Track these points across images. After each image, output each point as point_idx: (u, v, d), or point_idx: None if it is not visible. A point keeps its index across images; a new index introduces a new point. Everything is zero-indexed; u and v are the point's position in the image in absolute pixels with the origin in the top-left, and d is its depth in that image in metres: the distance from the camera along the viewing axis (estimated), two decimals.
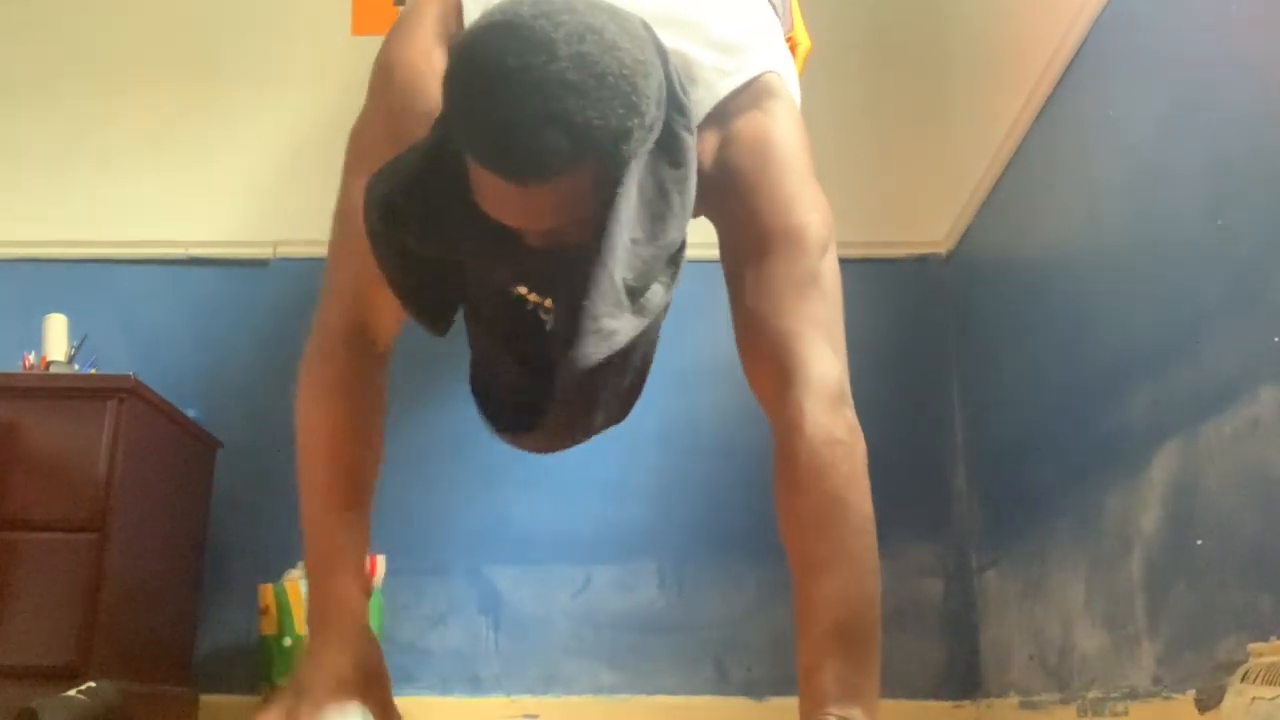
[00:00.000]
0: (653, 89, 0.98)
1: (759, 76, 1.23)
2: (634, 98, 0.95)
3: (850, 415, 1.09)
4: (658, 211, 1.06)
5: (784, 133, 1.20)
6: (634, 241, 1.05)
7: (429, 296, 1.14)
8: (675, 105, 1.06)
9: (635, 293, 1.08)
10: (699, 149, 1.16)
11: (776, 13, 1.45)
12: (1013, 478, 2.03)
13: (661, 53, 1.05)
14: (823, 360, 1.10)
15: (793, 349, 1.10)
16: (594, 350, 1.06)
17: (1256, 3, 1.25)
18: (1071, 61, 1.74)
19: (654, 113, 0.99)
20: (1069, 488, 1.73)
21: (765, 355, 1.13)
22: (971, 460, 2.26)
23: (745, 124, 1.20)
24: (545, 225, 0.99)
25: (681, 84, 1.09)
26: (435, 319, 1.14)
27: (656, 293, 1.11)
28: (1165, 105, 1.46)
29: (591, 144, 0.94)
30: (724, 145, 1.20)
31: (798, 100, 1.33)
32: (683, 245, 1.13)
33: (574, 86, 0.92)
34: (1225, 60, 1.31)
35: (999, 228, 2.15)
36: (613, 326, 1.06)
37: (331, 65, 2.55)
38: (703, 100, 1.20)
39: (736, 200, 1.19)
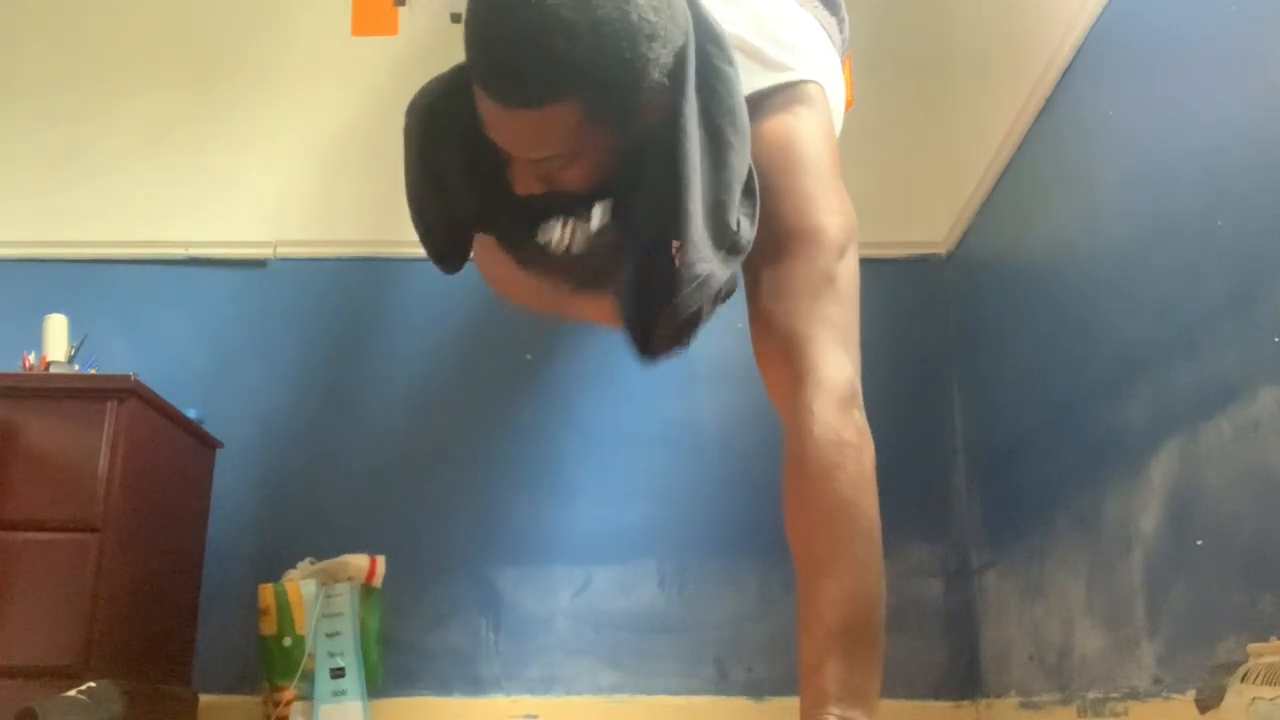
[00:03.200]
0: (658, 50, 1.00)
1: (801, 83, 1.24)
2: (627, 54, 0.97)
3: (860, 418, 1.09)
4: (715, 138, 1.08)
5: (809, 137, 1.21)
6: (704, 181, 1.07)
7: (445, 237, 1.18)
8: (711, 39, 1.08)
9: (722, 230, 1.09)
10: None
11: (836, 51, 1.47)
12: (1013, 478, 2.02)
13: (695, 7, 1.07)
14: (834, 362, 1.10)
15: (805, 350, 1.11)
16: (693, 299, 1.09)
17: (1256, 3, 1.25)
18: (1071, 61, 1.74)
19: (655, 76, 1.01)
20: (1069, 488, 1.73)
21: (778, 355, 1.13)
22: (971, 460, 2.26)
23: (772, 124, 1.21)
24: (534, 154, 1.03)
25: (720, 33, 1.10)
26: (444, 258, 1.20)
27: (744, 227, 1.12)
28: (1165, 105, 1.46)
29: (573, 83, 0.97)
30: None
31: (839, 118, 1.34)
32: (751, 173, 1.14)
33: (566, 26, 0.94)
34: (1225, 60, 1.31)
35: (999, 228, 2.15)
36: (706, 271, 1.08)
37: (331, 65, 2.55)
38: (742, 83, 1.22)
39: None
